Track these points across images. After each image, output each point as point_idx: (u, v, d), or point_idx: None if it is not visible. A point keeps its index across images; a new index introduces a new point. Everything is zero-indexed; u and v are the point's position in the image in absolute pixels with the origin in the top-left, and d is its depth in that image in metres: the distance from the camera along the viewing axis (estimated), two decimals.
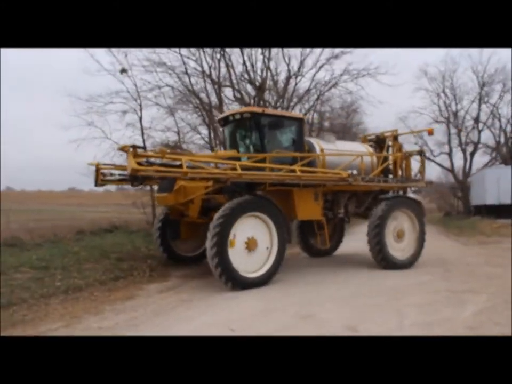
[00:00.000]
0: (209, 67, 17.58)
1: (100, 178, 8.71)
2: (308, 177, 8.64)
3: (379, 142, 11.43)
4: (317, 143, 9.90)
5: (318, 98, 20.81)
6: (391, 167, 11.08)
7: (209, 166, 7.88)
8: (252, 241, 7.85)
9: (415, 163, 11.44)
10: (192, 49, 16.99)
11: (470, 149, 38.77)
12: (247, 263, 7.72)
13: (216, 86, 17.68)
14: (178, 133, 18.64)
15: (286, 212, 8.78)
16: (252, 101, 17.85)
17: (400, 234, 9.95)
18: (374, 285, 7.88)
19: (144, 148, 7.13)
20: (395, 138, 11.33)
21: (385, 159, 10.81)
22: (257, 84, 18.15)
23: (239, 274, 7.48)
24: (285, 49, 18.20)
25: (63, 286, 7.30)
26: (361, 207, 10.88)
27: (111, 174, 9.02)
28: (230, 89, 18.29)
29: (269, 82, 18.61)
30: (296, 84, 19.78)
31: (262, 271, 7.88)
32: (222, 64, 17.72)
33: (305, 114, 20.90)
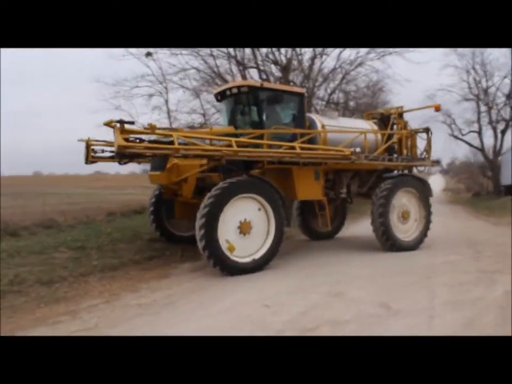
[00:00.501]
0: (234, 49, 17.54)
1: (91, 155, 8.16)
2: (308, 154, 8.30)
3: (383, 120, 11.00)
4: (318, 119, 9.53)
5: (343, 78, 20.51)
6: (395, 145, 10.70)
7: (204, 143, 7.44)
8: (246, 224, 7.45)
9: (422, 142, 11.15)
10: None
11: (501, 126, 37.50)
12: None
13: (241, 67, 17.65)
14: (204, 115, 18.76)
15: (286, 191, 8.43)
16: (278, 82, 17.77)
17: (405, 214, 9.64)
18: (401, 264, 7.92)
19: (133, 123, 6.72)
20: (400, 115, 10.88)
21: (390, 137, 10.38)
22: (282, 64, 18.02)
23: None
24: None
25: (100, 265, 7.59)
26: (364, 186, 10.50)
27: (103, 151, 8.45)
28: (255, 70, 18.22)
29: (294, 63, 18.42)
30: (321, 63, 19.55)
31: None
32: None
33: (330, 94, 20.69)
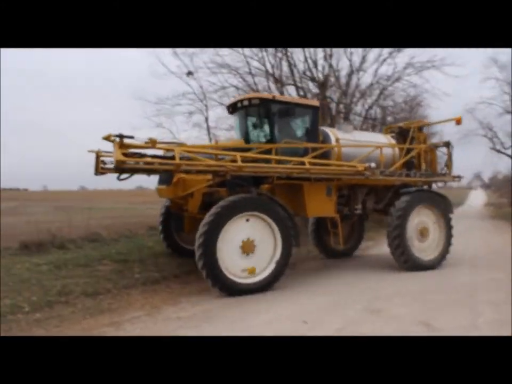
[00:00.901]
0: (272, 66, 17.83)
1: (100, 166, 7.56)
2: (319, 170, 8.01)
3: (403, 134, 10.56)
4: (333, 133, 9.22)
5: (380, 93, 20.38)
6: (414, 160, 10.17)
7: (210, 157, 7.23)
8: (248, 243, 7.12)
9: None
10: (255, 50, 17.33)
11: None
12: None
13: (278, 85, 17.89)
14: None
15: (296, 208, 8.29)
16: (315, 98, 17.90)
17: (424, 232, 9.16)
18: (442, 281, 7.75)
19: (132, 137, 6.53)
20: (419, 129, 10.43)
21: (408, 151, 9.93)
22: (319, 81, 18.14)
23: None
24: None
25: (142, 278, 7.81)
26: (380, 203, 10.00)
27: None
28: (293, 87, 18.42)
29: (331, 79, 18.51)
30: (358, 79, 19.54)
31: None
32: (284, 63, 17.93)
33: (368, 109, 20.59)
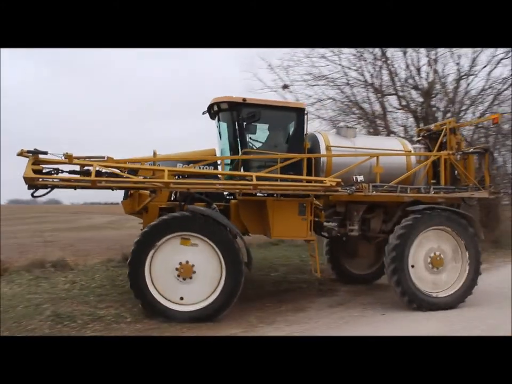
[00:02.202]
0: (371, 75, 17.24)
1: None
2: (270, 186, 6.81)
3: (434, 137, 8.82)
4: (325, 139, 7.87)
5: (494, 99, 18.62)
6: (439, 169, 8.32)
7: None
8: (186, 267, 6.33)
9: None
10: (352, 59, 16.91)
11: None
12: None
13: (379, 95, 17.21)
14: None
15: (260, 227, 7.57)
16: (418, 108, 16.89)
17: (436, 261, 7.35)
18: None
19: (45, 153, 6.05)
20: (452, 131, 8.42)
21: (436, 159, 8.25)
22: (423, 89, 17.10)
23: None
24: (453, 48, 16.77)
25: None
26: (389, 222, 8.13)
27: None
28: (394, 96, 17.60)
29: (436, 86, 17.35)
30: (468, 84, 18.06)
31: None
32: (384, 71, 17.22)
33: (480, 117, 18.96)
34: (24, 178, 5.75)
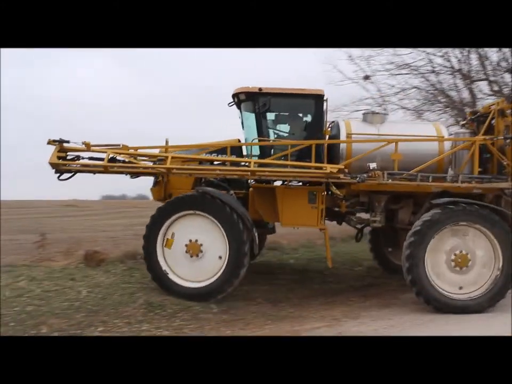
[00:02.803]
0: (458, 61, 16.19)
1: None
2: (269, 173, 6.89)
3: (482, 121, 7.82)
4: (347, 126, 7.63)
5: None
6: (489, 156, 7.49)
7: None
8: (194, 245, 6.64)
9: None
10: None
11: None
12: (187, 270, 6.68)
13: (467, 81, 16.14)
14: None
15: (274, 215, 7.49)
16: None
17: (461, 260, 6.64)
18: None
19: (68, 141, 6.77)
20: (500, 112, 7.37)
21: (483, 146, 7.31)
22: None
23: (173, 282, 6.63)
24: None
25: (321, 289, 7.80)
26: (418, 214, 7.35)
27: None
28: (485, 82, 16.39)
29: None
30: None
31: (205, 283, 6.61)
32: (473, 56, 16.09)
33: None
34: (50, 163, 6.59)
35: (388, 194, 7.56)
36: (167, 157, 6.80)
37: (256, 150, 7.72)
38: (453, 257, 6.67)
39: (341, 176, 6.78)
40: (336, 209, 7.81)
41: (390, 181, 7.05)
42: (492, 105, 7.83)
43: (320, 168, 6.98)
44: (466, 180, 7.15)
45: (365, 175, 6.96)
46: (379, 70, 17.04)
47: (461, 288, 6.66)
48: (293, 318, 6.15)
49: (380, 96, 17.43)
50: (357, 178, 6.90)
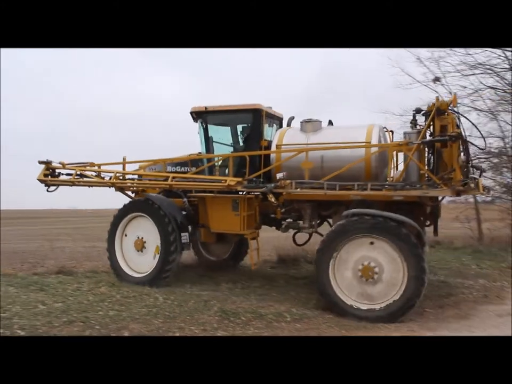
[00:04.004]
0: None
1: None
2: (182, 185, 8.18)
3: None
4: (280, 136, 8.05)
5: None
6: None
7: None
8: (139, 241, 8.31)
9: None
10: None
11: None
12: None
13: None
14: (503, 138, 16.72)
15: (205, 221, 8.46)
16: None
17: (367, 272, 6.48)
18: None
19: (50, 162, 8.91)
20: (439, 112, 6.75)
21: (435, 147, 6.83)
22: None
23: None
24: None
25: None
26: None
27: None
28: None
29: None
30: None
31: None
32: None
33: None
34: (38, 180, 8.83)
35: (312, 203, 7.79)
36: (113, 172, 8.64)
37: (203, 163, 8.71)
38: (359, 269, 6.59)
39: (239, 188, 7.47)
40: (272, 215, 8.32)
41: (298, 190, 7.19)
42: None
43: (222, 180, 7.75)
44: (377, 187, 6.89)
45: (272, 185, 7.27)
46: (450, 71, 16.35)
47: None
48: (367, 327, 6.02)
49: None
50: (264, 188, 7.31)
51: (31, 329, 5.08)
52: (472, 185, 6.82)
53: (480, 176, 7.58)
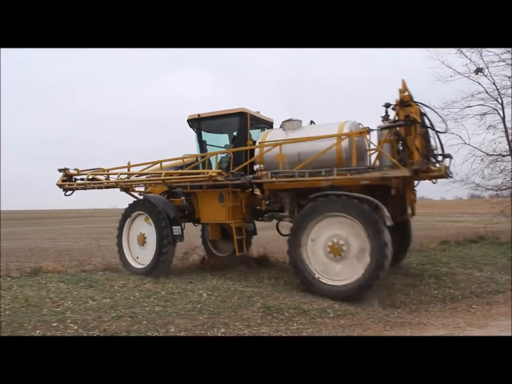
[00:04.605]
0: None
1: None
2: (175, 179, 9.17)
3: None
4: (263, 135, 8.73)
5: None
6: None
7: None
8: (141, 236, 9.21)
9: None
10: None
11: None
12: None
13: None
14: None
15: (198, 214, 9.49)
16: None
17: (335, 249, 7.08)
18: None
19: (67, 169, 10.43)
20: (402, 103, 7.21)
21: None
22: None
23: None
24: None
25: (440, 295, 7.44)
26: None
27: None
28: None
29: None
30: None
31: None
32: None
33: None
34: (57, 185, 10.26)
35: (291, 192, 8.34)
36: (118, 175, 9.82)
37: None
38: (328, 246, 7.16)
39: (219, 178, 8.31)
40: (258, 207, 9.03)
41: (274, 179, 7.94)
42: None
43: (204, 173, 8.54)
44: (342, 172, 7.43)
45: (251, 176, 8.12)
46: (494, 61, 15.79)
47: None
48: (412, 324, 5.92)
49: (495, 90, 16.13)
50: (241, 179, 8.16)
51: (83, 323, 5.27)
52: (435, 167, 7.40)
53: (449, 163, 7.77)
